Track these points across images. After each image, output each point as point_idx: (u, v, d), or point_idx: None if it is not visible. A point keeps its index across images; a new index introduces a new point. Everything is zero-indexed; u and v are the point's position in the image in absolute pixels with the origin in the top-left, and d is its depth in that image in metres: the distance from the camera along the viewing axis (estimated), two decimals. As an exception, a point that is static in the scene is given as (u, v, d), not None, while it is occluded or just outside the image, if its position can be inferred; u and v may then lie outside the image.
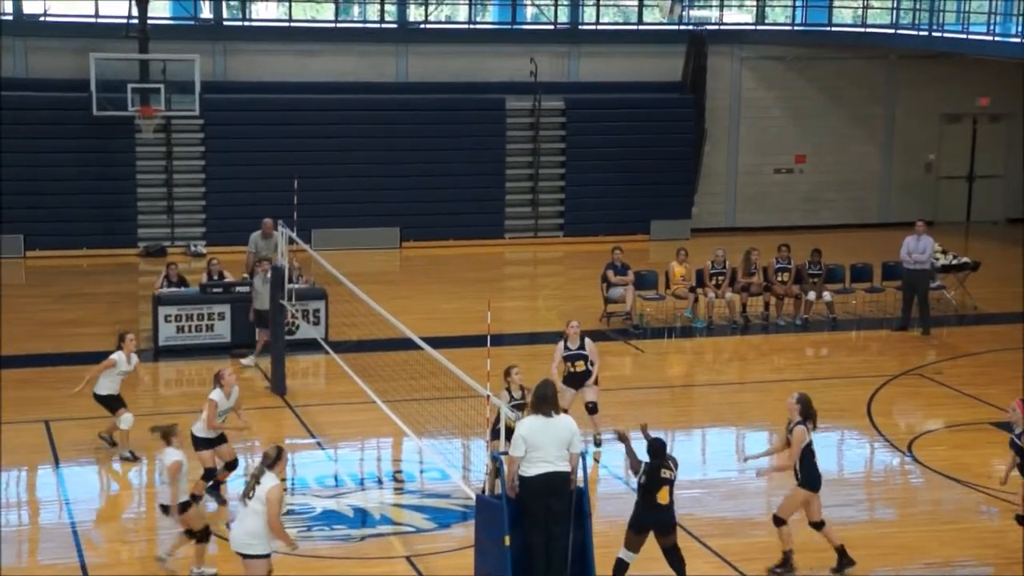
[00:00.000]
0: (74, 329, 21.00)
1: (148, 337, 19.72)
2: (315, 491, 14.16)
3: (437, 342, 14.15)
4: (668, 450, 11.78)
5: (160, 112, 25.62)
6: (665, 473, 11.63)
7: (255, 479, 10.84)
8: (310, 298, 19.70)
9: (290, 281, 18.12)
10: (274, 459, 10.90)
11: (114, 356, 15.05)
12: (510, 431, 11.21)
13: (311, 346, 18.84)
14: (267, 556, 10.93)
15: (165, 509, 12.10)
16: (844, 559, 12.50)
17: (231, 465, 13.96)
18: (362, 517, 13.62)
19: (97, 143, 26.19)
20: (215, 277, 20.25)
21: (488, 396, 11.57)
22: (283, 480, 11.63)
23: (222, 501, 13.88)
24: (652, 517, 11.69)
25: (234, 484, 13.64)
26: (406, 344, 14.47)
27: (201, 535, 12.15)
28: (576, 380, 15.37)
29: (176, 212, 27.10)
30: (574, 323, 15.51)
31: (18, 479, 14.94)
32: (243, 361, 18.80)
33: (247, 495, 10.83)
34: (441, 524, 13.51)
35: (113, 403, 15.16)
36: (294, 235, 18.02)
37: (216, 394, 13.61)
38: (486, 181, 28.34)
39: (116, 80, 25.30)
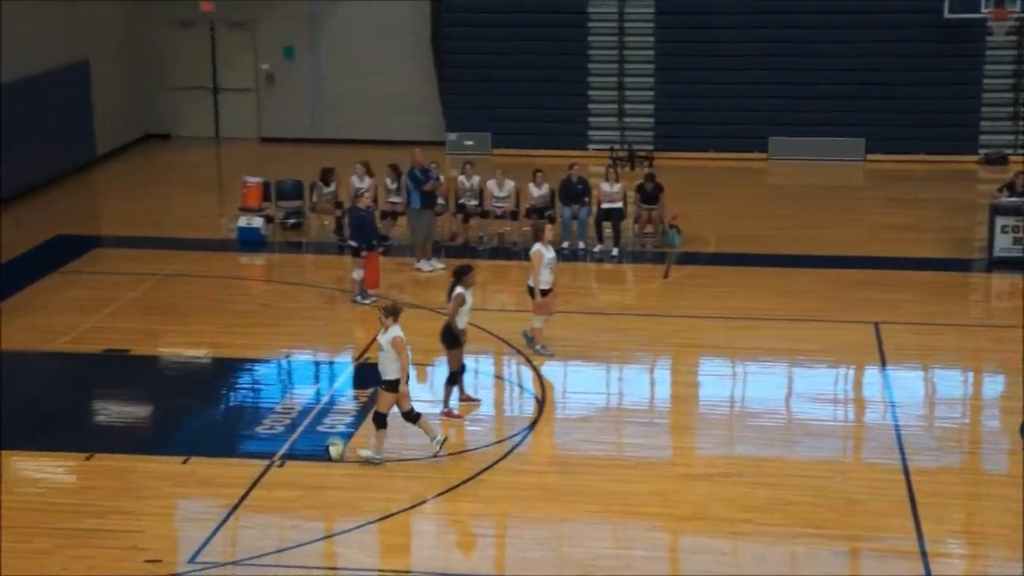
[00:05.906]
0: (905, 234, 21.05)
1: (983, 247, 19.28)
2: None
3: None
4: None
5: (1014, 14, 24.64)
6: None
7: None
8: None
9: None
10: None
11: None
12: None
13: None
14: None
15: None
16: None
17: None
18: None
19: (944, 47, 25.80)
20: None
21: None
22: None
23: None
24: None
25: None
26: None
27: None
28: None
29: None
30: None
31: (846, 377, 15.36)
32: None
33: None
34: None
35: None
36: None
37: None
38: None
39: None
